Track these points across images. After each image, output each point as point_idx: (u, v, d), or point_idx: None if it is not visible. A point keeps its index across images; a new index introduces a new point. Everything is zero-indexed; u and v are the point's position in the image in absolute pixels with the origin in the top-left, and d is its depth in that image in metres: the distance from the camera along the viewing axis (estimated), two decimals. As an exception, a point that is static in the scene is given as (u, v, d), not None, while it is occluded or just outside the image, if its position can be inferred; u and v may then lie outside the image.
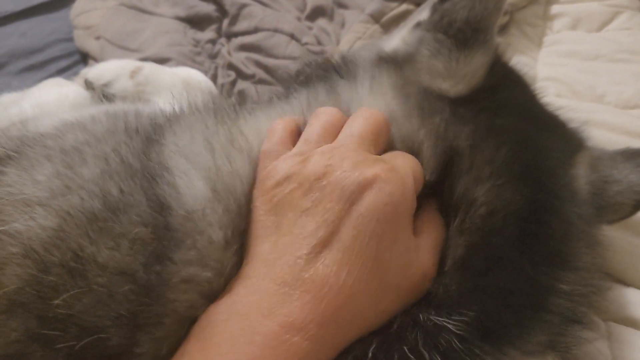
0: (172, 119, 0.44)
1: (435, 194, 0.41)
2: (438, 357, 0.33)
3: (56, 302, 0.31)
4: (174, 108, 0.46)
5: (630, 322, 0.51)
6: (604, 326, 0.50)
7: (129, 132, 0.40)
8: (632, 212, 0.50)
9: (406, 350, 0.33)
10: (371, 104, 0.44)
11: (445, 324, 0.34)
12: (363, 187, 0.35)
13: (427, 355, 0.33)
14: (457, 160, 0.40)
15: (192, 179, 0.37)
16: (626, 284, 0.55)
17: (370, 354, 0.33)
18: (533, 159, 0.42)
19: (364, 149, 0.39)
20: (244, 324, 0.32)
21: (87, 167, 0.37)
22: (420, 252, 0.37)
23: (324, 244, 0.34)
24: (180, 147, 0.39)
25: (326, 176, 0.36)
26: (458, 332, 0.33)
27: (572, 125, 0.53)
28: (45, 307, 0.32)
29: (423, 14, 0.49)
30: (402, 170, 0.37)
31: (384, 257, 0.34)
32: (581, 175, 0.48)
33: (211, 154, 0.39)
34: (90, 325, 0.32)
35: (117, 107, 0.51)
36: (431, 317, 0.34)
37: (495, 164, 0.40)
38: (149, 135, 0.41)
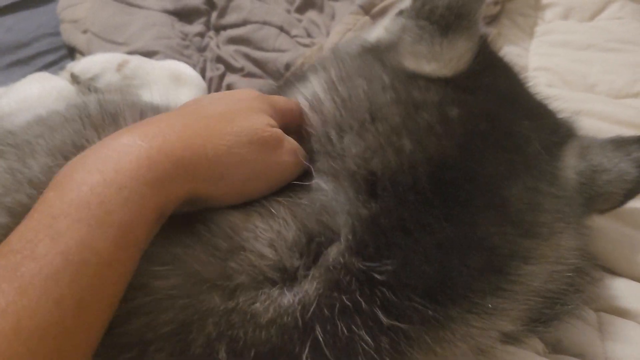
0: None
1: None
2: (378, 309, 0.34)
3: None
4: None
5: (621, 312, 0.51)
6: (595, 316, 0.50)
7: (83, 121, 0.41)
8: (623, 202, 0.50)
9: (345, 299, 0.34)
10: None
11: (371, 272, 0.35)
12: None
13: (365, 306, 0.34)
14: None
15: None
16: (617, 274, 0.55)
17: (316, 299, 0.34)
18: (488, 131, 0.42)
19: None
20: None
21: (36, 160, 0.37)
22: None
23: None
24: None
25: None
26: (385, 280, 0.34)
27: (563, 114, 0.52)
28: None
29: (405, 2, 0.48)
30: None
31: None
32: (570, 164, 0.47)
33: None
34: None
35: (82, 98, 0.51)
36: (357, 263, 0.35)
37: (409, 125, 0.40)
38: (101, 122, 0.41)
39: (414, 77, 0.43)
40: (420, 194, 0.37)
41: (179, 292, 0.33)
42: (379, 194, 0.38)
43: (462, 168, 0.39)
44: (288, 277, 0.35)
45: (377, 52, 0.47)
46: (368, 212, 0.37)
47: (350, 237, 0.36)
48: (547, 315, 0.41)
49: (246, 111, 0.40)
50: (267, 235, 0.36)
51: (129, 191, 0.31)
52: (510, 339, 0.39)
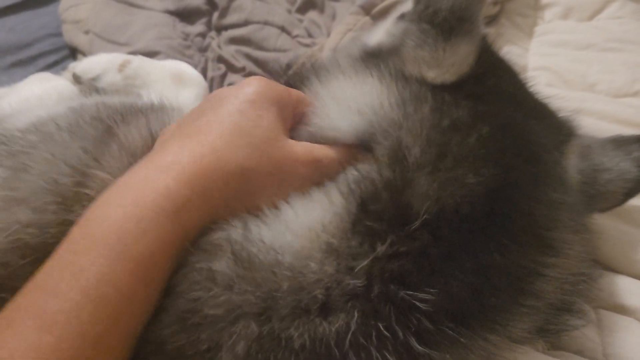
0: None
1: None
2: (412, 337, 0.34)
3: None
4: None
5: (620, 309, 0.51)
6: (594, 313, 0.50)
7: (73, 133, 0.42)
8: (623, 201, 0.50)
9: (381, 327, 0.34)
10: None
11: (412, 300, 0.34)
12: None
13: (400, 334, 0.33)
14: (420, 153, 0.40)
15: None
16: (616, 271, 0.55)
17: (352, 328, 0.34)
18: (513, 144, 0.41)
19: None
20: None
21: (30, 173, 0.38)
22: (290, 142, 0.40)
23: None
24: None
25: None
26: (425, 309, 0.34)
27: (563, 114, 0.53)
28: None
29: (406, 5, 0.48)
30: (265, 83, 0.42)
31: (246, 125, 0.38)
32: (571, 164, 0.47)
33: None
34: None
35: (80, 101, 0.51)
36: (400, 292, 0.35)
37: (464, 152, 0.39)
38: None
39: (438, 91, 0.43)
40: (474, 223, 0.37)
41: (221, 318, 0.34)
42: (438, 226, 0.37)
43: (503, 191, 0.39)
44: (328, 310, 0.35)
45: (381, 57, 0.46)
46: (420, 243, 0.36)
47: (395, 267, 0.35)
48: (554, 328, 0.42)
49: (256, 115, 0.39)
50: (330, 280, 0.35)
51: (147, 223, 0.32)
52: (514, 341, 0.39)
